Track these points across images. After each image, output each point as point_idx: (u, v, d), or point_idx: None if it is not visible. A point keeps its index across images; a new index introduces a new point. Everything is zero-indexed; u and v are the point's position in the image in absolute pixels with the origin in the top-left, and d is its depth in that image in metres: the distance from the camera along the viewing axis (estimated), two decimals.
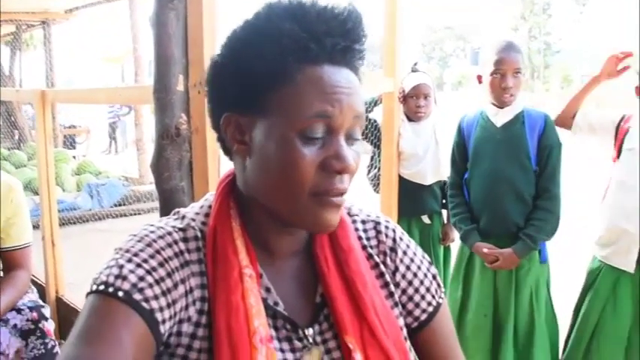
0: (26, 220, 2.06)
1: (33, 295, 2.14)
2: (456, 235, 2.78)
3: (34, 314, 2.03)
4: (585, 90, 2.43)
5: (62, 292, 3.15)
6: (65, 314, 3.00)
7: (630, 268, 2.15)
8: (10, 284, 1.98)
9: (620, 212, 2.17)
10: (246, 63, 0.76)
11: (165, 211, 1.64)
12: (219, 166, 1.65)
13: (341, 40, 0.75)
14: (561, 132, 2.36)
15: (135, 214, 7.06)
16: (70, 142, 11.88)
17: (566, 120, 2.42)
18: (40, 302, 2.12)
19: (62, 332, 2.81)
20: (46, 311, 2.10)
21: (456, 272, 2.52)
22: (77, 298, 3.08)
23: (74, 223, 6.52)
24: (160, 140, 1.63)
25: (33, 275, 3.29)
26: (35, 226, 3.53)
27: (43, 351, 2.00)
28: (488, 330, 2.37)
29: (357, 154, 0.78)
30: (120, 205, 7.24)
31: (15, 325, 1.99)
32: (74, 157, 9.30)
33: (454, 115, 2.65)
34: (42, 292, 3.11)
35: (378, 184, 2.90)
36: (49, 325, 2.07)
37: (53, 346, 2.04)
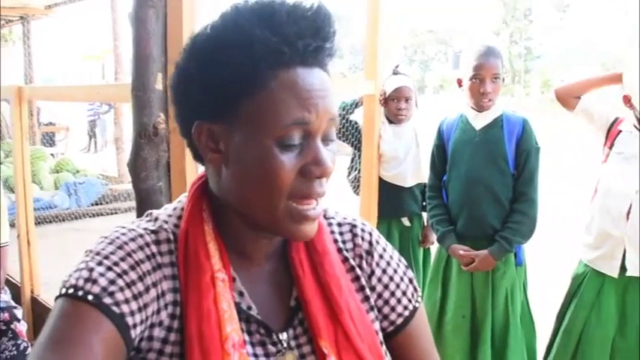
0: (3, 219, 2.02)
1: (5, 296, 2.11)
2: (435, 237, 2.79)
3: (6, 315, 2.00)
4: (603, 79, 2.35)
5: (37, 291, 3.11)
6: (40, 314, 2.96)
7: (614, 273, 2.15)
8: None
9: (605, 216, 2.16)
10: (216, 72, 0.73)
11: (141, 211, 1.62)
12: (197, 165, 1.63)
13: (312, 40, 0.73)
14: (550, 133, 2.36)
15: (112, 214, 6.99)
16: (48, 140, 11.72)
17: (569, 99, 2.34)
18: (12, 303, 2.09)
19: (36, 332, 2.77)
20: (19, 312, 2.07)
21: (434, 274, 2.54)
22: (52, 298, 3.02)
23: (51, 221, 6.44)
24: (138, 139, 1.61)
25: (8, 275, 3.26)
26: (11, 225, 3.48)
27: (15, 352, 1.97)
28: (466, 331, 2.39)
29: (334, 153, 0.77)
30: (98, 204, 7.17)
31: None
32: (52, 154, 9.17)
33: (435, 119, 2.66)
34: (17, 291, 3.07)
35: (359, 185, 2.90)
36: (21, 326, 2.04)
37: (25, 347, 2.01)
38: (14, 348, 1.98)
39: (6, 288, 2.14)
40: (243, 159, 0.74)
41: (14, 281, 3.23)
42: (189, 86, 0.76)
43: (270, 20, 0.71)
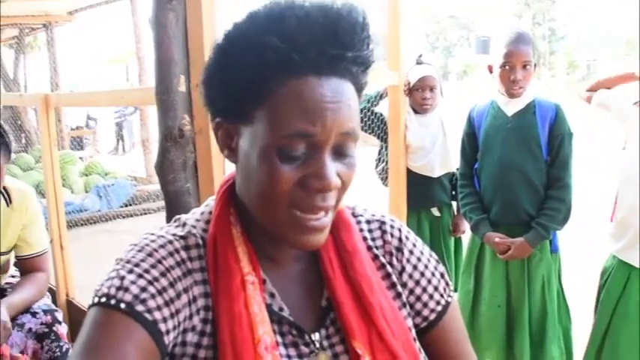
0: (42, 226, 2.09)
1: (47, 299, 2.16)
2: (466, 226, 2.77)
3: (49, 317, 2.04)
4: (615, 79, 2.33)
5: (72, 294, 3.16)
6: (76, 317, 3.00)
7: (637, 262, 2.06)
8: (32, 283, 2.04)
9: (625, 204, 2.10)
10: (229, 75, 0.74)
11: (170, 212, 1.63)
12: (225, 166, 1.64)
13: (328, 47, 0.70)
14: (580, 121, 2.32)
15: (143, 214, 7.07)
16: (77, 144, 11.91)
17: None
18: (54, 306, 2.14)
19: (74, 335, 2.81)
20: (59, 315, 2.11)
21: (467, 264, 2.50)
22: (88, 300, 3.06)
23: (83, 224, 6.54)
24: (164, 142, 1.62)
25: None
26: None
27: (59, 354, 2.02)
28: (502, 321, 2.36)
29: (348, 167, 0.75)
30: (128, 205, 7.26)
31: (30, 329, 2.01)
32: (81, 158, 9.31)
33: (460, 105, 2.63)
34: (52, 295, 3.12)
35: (386, 177, 2.88)
36: (63, 329, 2.09)
37: (67, 350, 2.05)
38: (57, 349, 2.02)
39: (47, 293, 2.19)
40: (248, 162, 0.74)
41: (50, 285, 3.28)
42: (211, 84, 0.78)
43: (280, 27, 0.69)
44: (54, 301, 3.02)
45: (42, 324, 2.03)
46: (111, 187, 7.34)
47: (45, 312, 2.05)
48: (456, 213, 2.90)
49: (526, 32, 2.30)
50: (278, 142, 0.70)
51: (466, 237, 2.66)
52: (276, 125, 0.70)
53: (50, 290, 3.17)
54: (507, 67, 2.22)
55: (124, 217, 6.95)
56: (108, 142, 15.43)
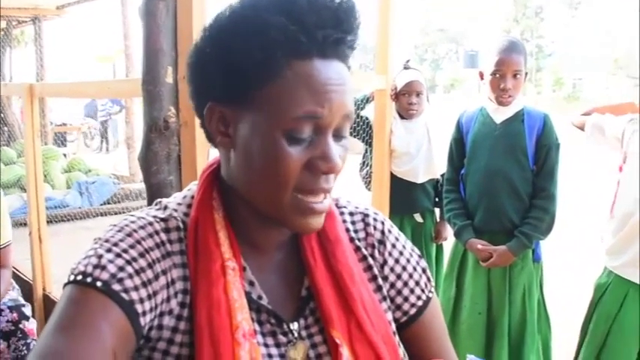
0: (4, 219, 1.98)
1: (14, 293, 2.09)
2: (448, 233, 2.77)
3: (15, 315, 1.98)
4: (615, 109, 2.35)
5: (49, 289, 3.11)
6: (52, 311, 2.96)
7: (637, 279, 2.03)
8: None
9: (627, 220, 2.07)
10: (232, 56, 0.71)
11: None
12: (208, 159, 1.62)
13: (333, 31, 0.70)
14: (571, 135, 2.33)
15: (124, 212, 6.99)
16: (60, 140, 11.80)
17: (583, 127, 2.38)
18: (21, 301, 2.08)
19: None
20: (27, 310, 2.05)
21: (450, 269, 2.50)
22: None
23: (63, 220, 6.47)
24: (149, 133, 1.59)
25: (19, 272, 3.26)
26: (23, 223, 3.48)
27: (26, 351, 1.97)
28: (482, 327, 2.36)
29: (344, 149, 0.75)
30: (109, 203, 7.19)
31: None
32: (64, 154, 9.22)
33: (446, 117, 2.64)
34: (28, 288, 3.07)
35: (370, 181, 2.88)
36: (31, 324, 2.03)
37: None
38: (24, 347, 1.97)
39: (15, 285, 2.13)
40: (250, 147, 0.72)
41: (26, 278, 3.23)
42: (204, 67, 0.75)
43: (290, 8, 0.69)
44: (29, 295, 2.98)
45: (8, 322, 1.97)
46: (93, 185, 7.28)
47: (11, 309, 1.99)
48: (438, 219, 2.91)
49: (519, 41, 2.32)
50: (286, 124, 0.70)
51: (448, 244, 2.66)
52: (283, 108, 0.70)
53: (26, 283, 3.13)
54: (498, 75, 2.23)
55: (104, 215, 6.88)
56: (92, 140, 15.30)
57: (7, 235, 1.99)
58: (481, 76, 2.35)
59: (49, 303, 3.03)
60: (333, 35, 0.71)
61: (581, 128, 2.39)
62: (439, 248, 2.97)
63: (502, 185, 2.28)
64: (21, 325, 1.98)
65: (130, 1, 7.92)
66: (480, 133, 2.36)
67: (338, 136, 0.74)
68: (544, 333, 2.38)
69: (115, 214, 6.94)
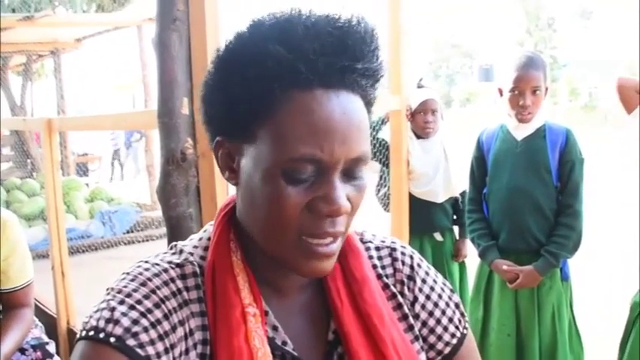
0: (25, 257, 1.93)
1: (37, 331, 2.06)
2: (468, 250, 2.74)
3: (38, 354, 1.95)
4: None
5: (73, 322, 3.11)
6: None
7: None
8: (15, 323, 1.89)
9: None
10: (231, 89, 0.68)
11: (172, 239, 1.59)
12: (228, 191, 1.60)
13: (337, 59, 0.65)
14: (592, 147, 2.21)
15: (147, 241, 7.03)
16: (82, 170, 11.93)
17: (633, 95, 2.04)
18: (45, 339, 2.05)
19: None
20: (51, 347, 2.03)
21: (476, 291, 2.45)
22: None
23: (85, 251, 6.50)
24: (166, 166, 1.59)
25: (44, 306, 3.27)
26: (45, 256, 3.50)
27: None
28: (512, 350, 2.30)
29: (358, 189, 0.70)
30: (132, 231, 7.22)
31: None
32: (87, 184, 9.31)
33: (463, 132, 2.60)
34: (53, 322, 3.07)
35: (388, 203, 2.85)
36: None
37: None
38: None
39: (38, 322, 2.11)
40: (252, 183, 0.69)
41: (50, 313, 3.23)
42: (211, 100, 0.73)
43: (288, 36, 0.65)
44: (53, 329, 2.97)
45: None
46: (115, 214, 7.31)
47: (34, 347, 1.95)
48: (457, 237, 2.87)
49: (537, 56, 2.27)
50: (283, 164, 0.65)
51: (470, 262, 2.61)
52: (281, 146, 0.65)
53: (51, 317, 3.13)
54: (517, 92, 2.20)
55: (126, 244, 6.90)
56: (113, 169, 15.45)
57: (28, 273, 1.96)
58: (500, 92, 2.31)
59: (73, 337, 3.02)
60: (337, 63, 0.65)
61: (627, 93, 2.05)
62: (462, 266, 2.93)
63: (526, 203, 2.23)
64: None
65: (146, 31, 8.02)
66: (501, 151, 2.32)
67: (350, 176, 0.69)
68: (576, 353, 2.31)
69: (139, 242, 6.96)
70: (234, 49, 0.70)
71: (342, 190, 0.67)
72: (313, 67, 0.65)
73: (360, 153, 0.68)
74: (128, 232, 7.22)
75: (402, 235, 2.65)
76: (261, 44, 0.65)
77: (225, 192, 1.60)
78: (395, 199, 2.71)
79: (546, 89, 2.23)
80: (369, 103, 0.72)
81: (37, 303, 2.48)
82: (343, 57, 0.66)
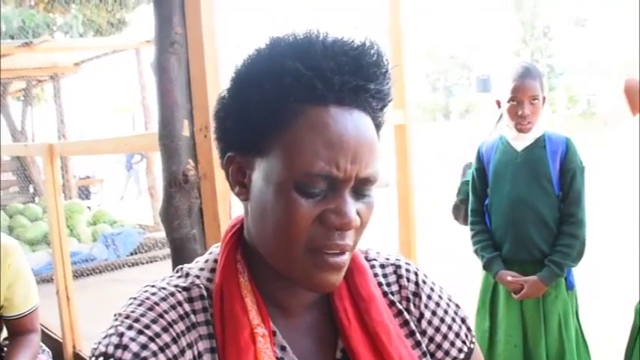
0: (29, 283, 1.94)
1: (44, 357, 2.05)
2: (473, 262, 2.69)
3: None
4: None
5: (79, 347, 3.10)
6: None
7: None
8: (23, 349, 1.88)
9: None
10: (246, 102, 0.70)
11: (177, 261, 1.60)
12: (231, 211, 1.61)
13: (352, 78, 0.67)
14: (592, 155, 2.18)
15: (151, 262, 7.02)
16: (85, 194, 11.93)
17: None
18: None
19: None
20: None
21: (482, 303, 2.44)
22: None
23: (90, 274, 6.48)
24: (168, 188, 1.60)
25: (49, 330, 3.26)
26: (50, 280, 3.50)
27: None
28: None
29: (367, 206, 0.71)
30: (136, 253, 7.21)
31: None
32: (89, 207, 9.31)
33: (462, 143, 2.60)
34: (59, 347, 3.06)
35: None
36: None
37: None
38: None
39: (45, 348, 2.10)
40: (263, 197, 0.70)
41: (55, 337, 3.23)
42: (224, 116, 0.74)
43: (306, 53, 0.67)
44: (60, 355, 2.97)
45: None
46: (118, 236, 7.31)
47: None
48: None
49: (533, 66, 2.29)
50: (297, 177, 0.67)
51: (475, 273, 2.59)
52: (295, 161, 0.67)
53: (56, 342, 3.12)
54: (515, 102, 2.21)
55: (130, 266, 6.89)
56: (115, 190, 15.46)
57: (33, 299, 1.96)
58: (498, 104, 2.33)
59: None
60: (352, 82, 0.68)
61: (634, 94, 2.00)
62: None
63: (528, 214, 2.23)
64: None
65: (144, 54, 8.08)
66: (501, 162, 2.32)
67: (360, 193, 0.71)
68: None
69: (143, 264, 6.95)
70: (252, 64, 0.72)
71: (352, 205, 0.69)
72: (329, 84, 0.67)
73: (370, 173, 0.70)
74: (132, 254, 7.21)
75: (411, 256, 2.61)
76: (280, 60, 0.67)
77: (227, 212, 1.61)
78: (402, 218, 2.67)
79: (544, 99, 2.24)
80: (378, 125, 0.74)
81: (43, 328, 2.48)
82: (357, 77, 0.68)
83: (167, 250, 7.12)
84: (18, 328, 1.92)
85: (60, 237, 2.97)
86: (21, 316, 1.91)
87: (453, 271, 4.31)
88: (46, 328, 3.24)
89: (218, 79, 1.58)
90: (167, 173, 1.60)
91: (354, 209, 0.69)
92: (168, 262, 1.61)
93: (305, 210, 0.67)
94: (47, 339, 2.92)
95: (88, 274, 6.43)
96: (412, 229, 2.63)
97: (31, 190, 9.11)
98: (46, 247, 6.70)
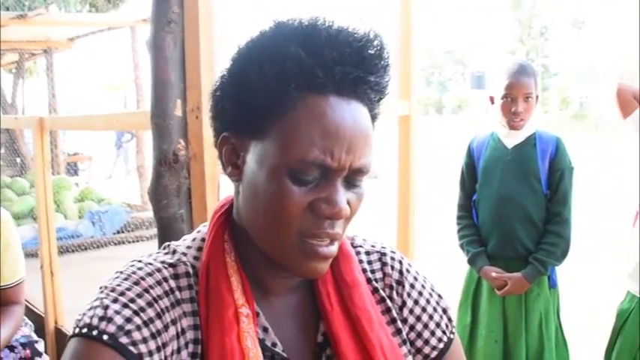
0: (18, 255, 1.94)
1: (26, 329, 2.06)
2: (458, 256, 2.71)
3: (27, 352, 1.96)
4: None
5: (61, 322, 3.09)
6: (64, 345, 2.93)
7: None
8: (6, 320, 1.89)
9: None
10: (246, 83, 0.70)
11: (163, 239, 1.59)
12: (219, 192, 1.61)
13: (353, 69, 0.67)
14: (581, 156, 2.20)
15: (136, 241, 7.01)
16: (73, 170, 11.87)
17: (630, 101, 2.11)
18: (34, 337, 2.05)
19: None
20: (40, 346, 2.03)
21: (464, 297, 2.46)
22: None
23: (75, 250, 6.47)
24: (158, 167, 1.59)
25: (32, 305, 3.25)
26: (34, 255, 3.49)
27: None
28: (499, 356, 2.31)
29: (357, 196, 0.72)
30: (121, 232, 7.20)
31: None
32: (76, 184, 9.27)
33: (455, 138, 2.60)
34: (41, 322, 3.05)
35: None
36: None
37: None
38: None
39: (27, 320, 2.10)
40: (256, 179, 0.70)
41: (38, 312, 3.22)
42: (222, 95, 0.74)
43: (310, 41, 0.67)
44: (41, 329, 2.96)
45: (21, 359, 1.93)
46: (105, 214, 7.28)
47: (23, 345, 1.96)
48: None
49: (528, 64, 2.30)
50: (291, 164, 0.67)
51: (459, 268, 2.61)
52: (290, 147, 0.67)
53: (39, 317, 3.11)
54: (509, 99, 2.22)
55: (116, 244, 6.88)
56: (103, 168, 15.38)
57: (20, 271, 1.96)
58: (491, 100, 2.34)
59: (61, 337, 3.01)
60: (352, 73, 0.68)
61: (625, 98, 2.13)
62: None
63: (515, 211, 2.25)
64: None
65: (139, 32, 8.01)
66: (491, 159, 2.34)
67: (351, 183, 0.71)
68: None
69: (129, 242, 6.94)
70: (255, 45, 0.71)
71: (343, 194, 0.69)
72: (330, 74, 0.67)
73: (363, 164, 0.70)
74: (118, 232, 7.20)
75: (408, 250, 2.60)
76: (283, 44, 0.67)
77: (215, 194, 1.61)
78: (401, 211, 2.65)
79: (537, 97, 2.26)
80: (374, 118, 0.74)
81: (26, 302, 2.47)
82: (359, 68, 0.68)
83: (153, 230, 7.10)
84: (3, 298, 1.92)
85: (46, 212, 2.95)
86: (7, 287, 1.91)
87: (442, 265, 4.34)
88: (29, 302, 3.23)
89: (213, 60, 1.57)
90: (157, 152, 1.59)
91: (345, 199, 0.70)
92: (154, 242, 1.60)
93: (297, 197, 0.68)
94: (29, 313, 2.91)
95: (73, 251, 6.41)
96: (411, 226, 2.61)
97: (19, 164, 9.05)
98: (32, 222, 6.66)
